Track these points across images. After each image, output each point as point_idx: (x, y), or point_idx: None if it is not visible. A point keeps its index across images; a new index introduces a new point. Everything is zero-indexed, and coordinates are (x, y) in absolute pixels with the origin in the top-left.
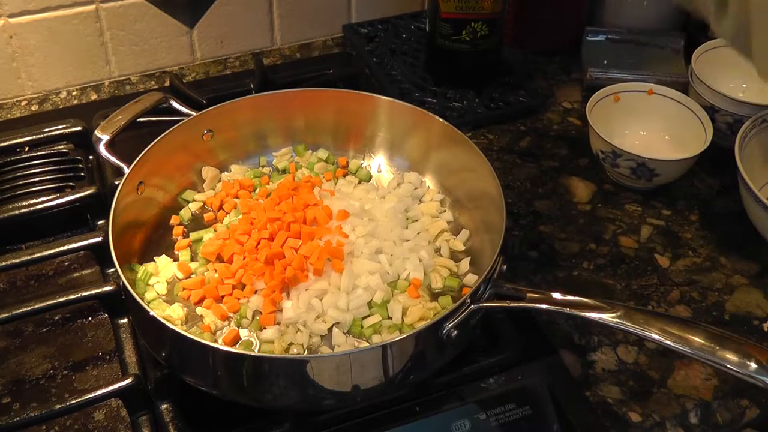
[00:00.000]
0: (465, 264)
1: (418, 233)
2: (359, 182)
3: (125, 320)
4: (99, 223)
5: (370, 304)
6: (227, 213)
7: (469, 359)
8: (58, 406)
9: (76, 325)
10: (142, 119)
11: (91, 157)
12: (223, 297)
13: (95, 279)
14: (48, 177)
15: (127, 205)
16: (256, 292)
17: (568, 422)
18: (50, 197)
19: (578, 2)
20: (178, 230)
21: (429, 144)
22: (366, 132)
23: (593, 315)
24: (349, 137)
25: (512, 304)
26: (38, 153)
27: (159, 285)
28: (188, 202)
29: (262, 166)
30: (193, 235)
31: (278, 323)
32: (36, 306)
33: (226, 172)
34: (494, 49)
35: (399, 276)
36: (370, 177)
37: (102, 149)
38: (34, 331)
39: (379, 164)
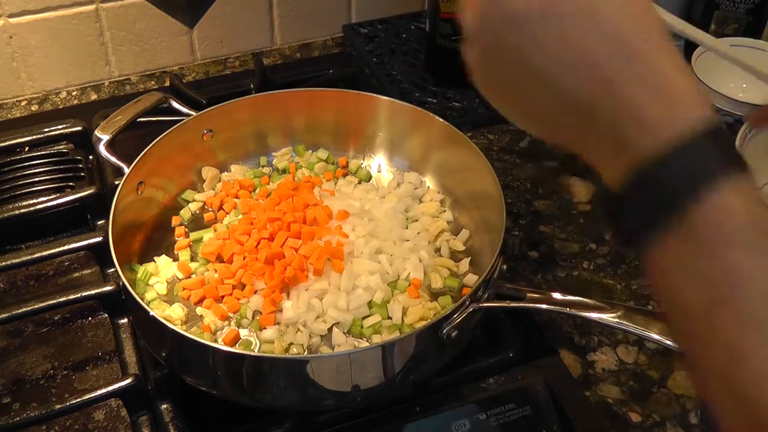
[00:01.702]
0: (465, 264)
1: (418, 233)
2: (359, 182)
3: (125, 320)
4: (99, 223)
5: (370, 304)
6: (227, 213)
7: (469, 359)
8: (58, 406)
9: (76, 325)
10: (142, 119)
11: (91, 157)
12: (223, 297)
13: (95, 279)
14: (48, 177)
15: (127, 205)
16: (256, 292)
17: (568, 422)
18: (50, 197)
19: None
20: (180, 230)
21: (429, 144)
22: (366, 132)
23: (593, 315)
24: (349, 137)
25: (512, 304)
26: (38, 153)
27: (159, 285)
28: (188, 202)
29: (262, 166)
30: (193, 235)
31: (278, 323)
32: (36, 306)
33: (226, 172)
34: None
35: (399, 276)
36: (370, 177)
37: (102, 149)
38: (34, 331)
39: (379, 164)
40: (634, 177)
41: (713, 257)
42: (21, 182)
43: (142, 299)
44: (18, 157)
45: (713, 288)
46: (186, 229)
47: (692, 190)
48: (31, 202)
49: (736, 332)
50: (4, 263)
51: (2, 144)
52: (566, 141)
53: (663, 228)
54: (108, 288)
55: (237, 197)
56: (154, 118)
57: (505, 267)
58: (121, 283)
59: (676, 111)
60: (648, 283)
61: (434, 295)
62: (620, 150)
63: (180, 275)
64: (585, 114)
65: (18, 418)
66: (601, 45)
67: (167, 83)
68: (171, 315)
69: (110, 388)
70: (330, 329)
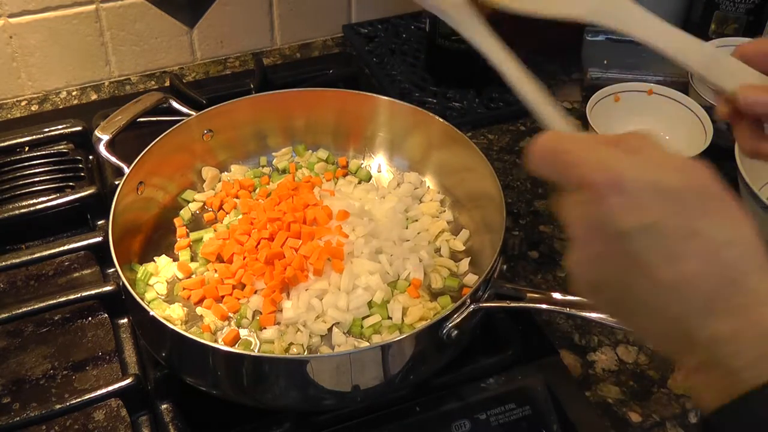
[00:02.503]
0: (465, 264)
1: (418, 233)
2: (359, 182)
3: (125, 320)
4: (99, 223)
5: (370, 304)
6: (227, 213)
7: (469, 359)
8: (58, 406)
9: (76, 325)
10: (142, 119)
11: (91, 157)
12: (223, 297)
13: (95, 279)
14: (48, 177)
15: (127, 205)
16: (256, 292)
17: (568, 422)
18: (50, 197)
19: None
20: (182, 231)
21: (429, 144)
22: (366, 132)
23: (593, 315)
24: (349, 137)
25: (512, 304)
26: (38, 153)
27: (159, 285)
28: (188, 202)
29: (262, 166)
30: (193, 235)
31: (278, 323)
32: (36, 306)
33: (226, 172)
34: None
35: (399, 276)
36: (370, 177)
37: (102, 149)
38: (34, 331)
39: (379, 164)
40: (735, 402)
41: None
42: (21, 182)
43: (142, 299)
44: (18, 157)
45: None
46: (187, 230)
47: None
48: (31, 202)
49: None
50: (4, 263)
51: (2, 144)
52: (662, 349)
53: None
54: (108, 288)
55: (237, 197)
56: (154, 118)
57: (505, 267)
58: (121, 283)
59: None
60: None
61: (434, 295)
62: (716, 372)
63: (180, 275)
64: (683, 333)
65: (18, 418)
66: (704, 268)
67: (167, 83)
68: (171, 315)
69: (110, 388)
70: (330, 329)
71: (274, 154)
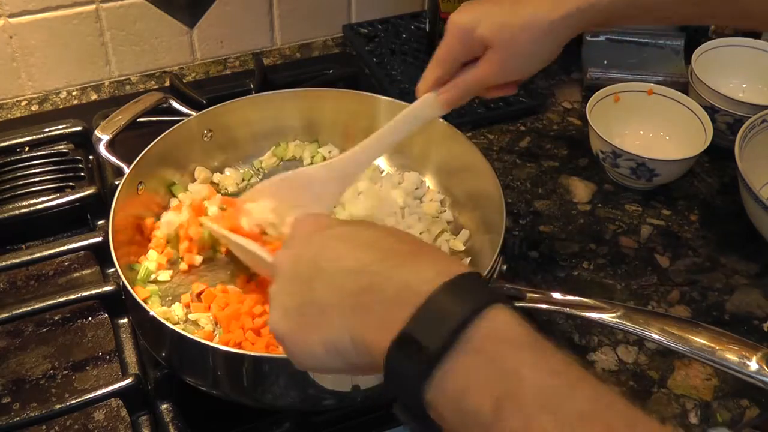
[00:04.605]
0: (465, 264)
1: (420, 233)
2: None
3: (125, 320)
4: (99, 223)
5: None
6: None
7: None
8: (58, 406)
9: (76, 325)
10: (142, 119)
11: (91, 157)
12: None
13: (95, 279)
14: (48, 177)
15: (127, 205)
16: None
17: None
18: (50, 197)
19: None
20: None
21: (429, 144)
22: (366, 132)
23: (593, 315)
24: (349, 137)
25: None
26: (38, 153)
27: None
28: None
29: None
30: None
31: None
32: (36, 306)
33: (219, 174)
34: None
35: None
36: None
37: (102, 149)
38: (34, 331)
39: (379, 164)
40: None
41: (497, 361)
42: (21, 182)
43: (142, 299)
44: (18, 157)
45: (500, 385)
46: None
47: (473, 311)
48: (31, 202)
49: (523, 420)
50: (4, 263)
51: (2, 144)
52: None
53: (451, 349)
54: (108, 288)
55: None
56: (154, 118)
57: (505, 267)
58: (121, 283)
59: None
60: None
61: None
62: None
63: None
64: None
65: (18, 418)
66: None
67: (167, 83)
68: (171, 315)
69: (110, 388)
70: None
71: (260, 158)
